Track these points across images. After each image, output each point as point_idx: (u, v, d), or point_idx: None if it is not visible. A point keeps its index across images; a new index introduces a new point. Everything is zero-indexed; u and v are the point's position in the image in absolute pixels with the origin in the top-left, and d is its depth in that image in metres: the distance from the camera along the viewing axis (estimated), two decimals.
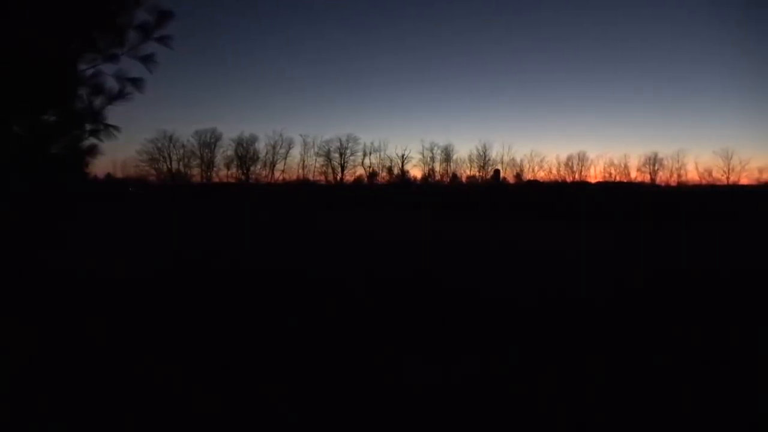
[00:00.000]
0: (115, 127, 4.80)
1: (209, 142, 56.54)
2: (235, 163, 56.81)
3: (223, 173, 57.32)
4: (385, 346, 4.76)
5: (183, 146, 56.12)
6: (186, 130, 78.99)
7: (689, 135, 72.82)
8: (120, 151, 65.52)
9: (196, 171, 56.83)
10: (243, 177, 56.51)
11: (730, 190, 40.78)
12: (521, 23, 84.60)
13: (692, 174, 48.86)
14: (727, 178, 45.93)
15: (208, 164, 56.85)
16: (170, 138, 55.35)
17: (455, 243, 13.95)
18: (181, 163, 56.46)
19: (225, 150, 56.99)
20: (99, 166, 58.93)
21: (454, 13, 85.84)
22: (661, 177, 49.18)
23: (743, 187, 42.80)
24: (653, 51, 77.25)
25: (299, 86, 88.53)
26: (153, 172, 54.34)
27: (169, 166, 55.91)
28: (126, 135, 63.24)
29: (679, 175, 48.62)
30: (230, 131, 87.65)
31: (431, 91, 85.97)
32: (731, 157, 46.55)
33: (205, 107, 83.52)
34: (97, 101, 4.71)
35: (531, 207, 28.78)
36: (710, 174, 46.49)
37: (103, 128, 4.75)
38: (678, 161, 49.46)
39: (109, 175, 52.24)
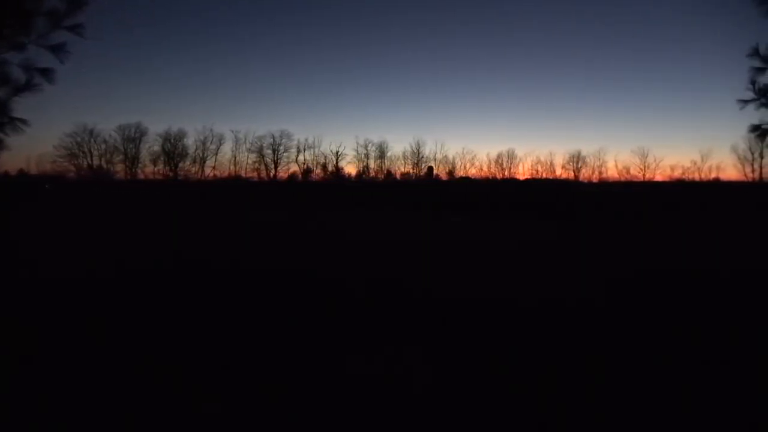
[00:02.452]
0: (23, 121, 4.56)
1: (134, 137, 53.75)
2: (162, 159, 54.45)
3: (149, 170, 54.84)
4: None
5: (105, 141, 52.90)
6: (108, 125, 73.81)
7: (609, 134, 78.00)
8: (36, 145, 60.82)
9: (120, 167, 54.08)
10: (171, 174, 54.17)
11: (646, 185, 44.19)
12: (453, 23, 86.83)
13: (612, 171, 52.47)
14: (643, 174, 49.73)
15: (133, 160, 54.14)
16: (91, 132, 51.59)
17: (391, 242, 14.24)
18: (103, 159, 53.30)
19: (151, 145, 54.53)
20: (10, 162, 54.64)
21: (387, 10, 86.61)
22: (584, 174, 52.44)
23: (658, 183, 46.48)
24: (574, 54, 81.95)
25: (230, 81, 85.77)
26: (72, 168, 51.00)
27: (90, 162, 52.67)
28: (42, 129, 58.87)
29: (600, 172, 52.04)
30: (156, 126, 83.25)
31: (365, 88, 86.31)
32: (647, 156, 50.61)
33: (129, 101, 78.65)
34: (2, 92, 4.45)
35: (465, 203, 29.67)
36: (628, 171, 50.24)
37: (8, 121, 4.49)
38: (599, 159, 52.99)
39: (22, 172, 48.72)
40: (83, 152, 51.66)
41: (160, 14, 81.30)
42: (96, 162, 52.86)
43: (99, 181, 47.23)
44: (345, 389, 3.56)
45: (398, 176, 56.50)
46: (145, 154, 54.38)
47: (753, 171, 44.99)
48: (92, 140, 52.44)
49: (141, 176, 53.80)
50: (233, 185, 47.70)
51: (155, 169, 54.46)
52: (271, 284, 7.20)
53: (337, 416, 3.19)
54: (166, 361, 4.10)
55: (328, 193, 40.95)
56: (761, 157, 42.57)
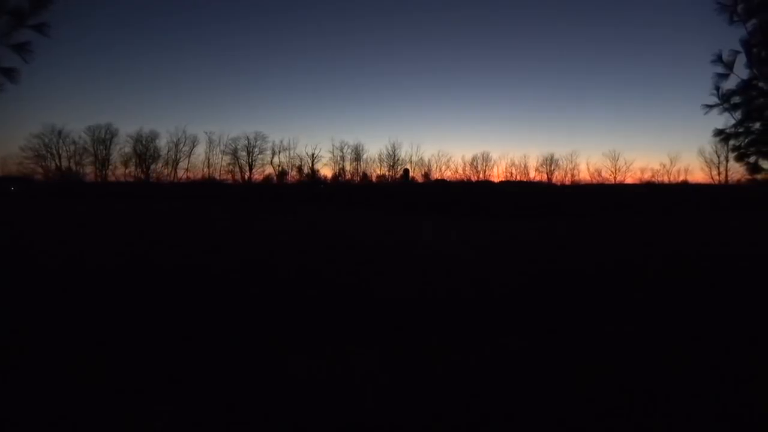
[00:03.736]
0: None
1: (104, 139, 52.84)
2: (133, 161, 53.60)
3: (120, 171, 53.91)
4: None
5: (74, 143, 51.87)
6: (78, 126, 72.22)
7: (581, 137, 79.74)
8: (1, 147, 59.00)
9: (89, 169, 53.02)
10: (143, 176, 53.36)
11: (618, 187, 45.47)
12: (428, 26, 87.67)
13: (584, 174, 53.83)
14: (614, 177, 51.16)
15: (104, 162, 53.16)
16: (59, 133, 50.72)
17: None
18: (72, 160, 52.20)
19: (122, 147, 53.69)
20: None
21: (363, 13, 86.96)
22: (557, 176, 53.65)
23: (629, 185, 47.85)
24: (547, 59, 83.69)
25: (204, 81, 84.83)
26: (39, 170, 49.76)
27: (58, 164, 51.49)
28: (8, 130, 57.14)
29: (572, 175, 53.32)
30: (128, 127, 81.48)
31: (341, 90, 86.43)
32: (618, 159, 52.13)
33: (99, 101, 77.01)
34: None
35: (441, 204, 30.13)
36: (600, 174, 51.63)
37: None
38: (572, 162, 54.30)
39: None
40: (51, 154, 50.63)
41: (130, 13, 79.93)
42: (65, 164, 51.89)
43: (68, 183, 46.20)
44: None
45: (374, 179, 56.82)
46: (116, 156, 53.65)
47: (719, 174, 46.82)
48: (61, 141, 51.41)
49: (112, 178, 52.91)
50: (207, 186, 47.15)
51: (127, 171, 53.67)
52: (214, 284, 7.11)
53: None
54: (100, 359, 3.97)
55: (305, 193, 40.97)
56: (726, 160, 44.27)
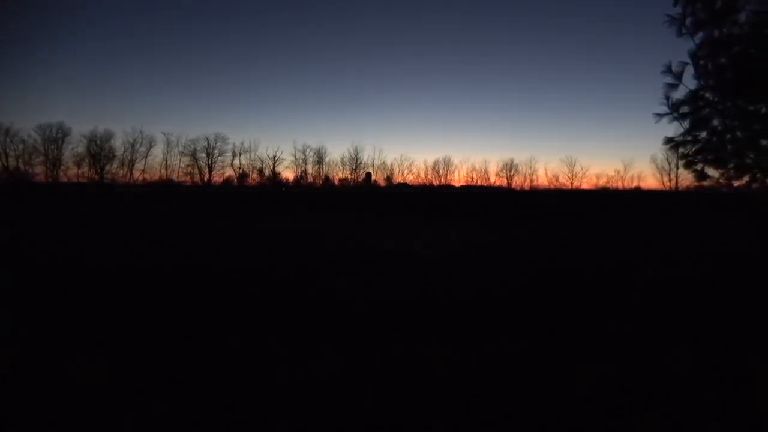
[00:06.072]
0: None
1: (55, 138, 50.72)
2: (87, 161, 51.60)
3: (72, 172, 51.80)
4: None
5: (23, 141, 49.66)
6: (27, 124, 69.07)
7: (540, 143, 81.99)
8: None
9: (40, 169, 50.77)
10: (96, 176, 51.41)
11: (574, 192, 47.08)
12: (390, 31, 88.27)
13: (542, 179, 55.41)
14: (571, 182, 52.85)
15: (55, 162, 50.96)
16: (7, 132, 48.55)
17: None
18: (20, 160, 49.91)
19: (75, 147, 51.64)
20: None
21: (326, 15, 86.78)
22: (517, 181, 54.99)
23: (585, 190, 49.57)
24: (506, 66, 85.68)
25: (162, 81, 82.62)
26: None
27: (6, 164, 49.07)
28: None
29: (531, 180, 54.75)
30: (81, 126, 78.70)
31: (303, 93, 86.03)
32: (575, 164, 53.94)
33: (50, 99, 73.87)
34: None
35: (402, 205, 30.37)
36: (557, 179, 53.26)
37: None
38: (530, 167, 55.81)
39: None
40: None
41: (83, 6, 77.05)
42: (12, 163, 49.58)
43: (15, 183, 44.08)
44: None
45: (336, 182, 56.69)
46: (68, 156, 51.58)
47: (670, 180, 49.02)
48: (8, 140, 49.24)
49: (64, 179, 50.84)
50: (164, 188, 45.88)
51: (79, 171, 51.64)
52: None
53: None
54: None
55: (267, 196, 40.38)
56: (677, 167, 46.32)
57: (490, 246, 12.06)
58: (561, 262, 9.38)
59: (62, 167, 51.26)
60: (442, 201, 32.19)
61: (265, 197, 38.77)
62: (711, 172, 7.25)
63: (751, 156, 6.74)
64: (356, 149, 58.24)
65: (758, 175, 6.78)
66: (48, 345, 4.27)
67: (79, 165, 51.41)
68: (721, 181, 7.19)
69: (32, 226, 15.14)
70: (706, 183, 7.37)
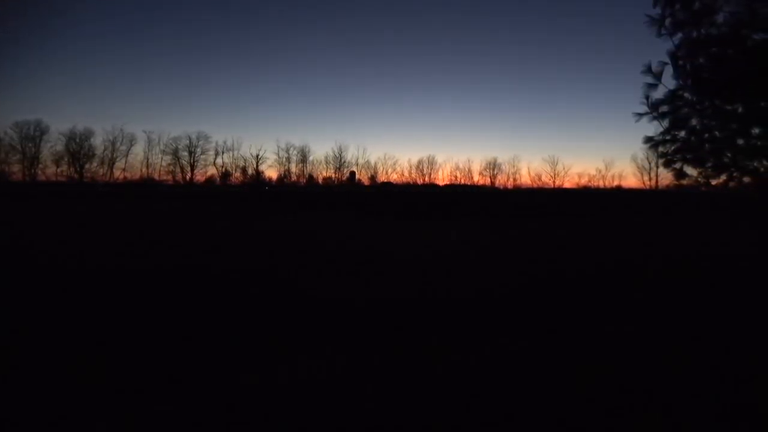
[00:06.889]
0: None
1: (33, 136, 49.82)
2: (66, 159, 50.71)
3: (51, 171, 50.88)
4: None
5: None
6: (3, 122, 67.62)
7: (522, 142, 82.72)
8: None
9: (16, 168, 49.79)
10: (76, 175, 50.54)
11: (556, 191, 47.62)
12: (374, 30, 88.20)
13: (525, 178, 55.94)
14: (554, 181, 53.39)
15: (32, 160, 49.97)
16: None
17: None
18: None
19: (53, 145, 50.74)
20: None
21: (310, 15, 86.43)
22: (500, 180, 55.39)
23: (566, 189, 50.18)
24: (489, 65, 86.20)
25: (143, 79, 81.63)
26: None
27: None
28: None
29: (514, 179, 55.21)
30: (60, 124, 77.31)
31: (287, 91, 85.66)
32: (557, 164, 54.44)
33: (28, 96, 72.45)
34: None
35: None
36: (540, 178, 53.77)
37: None
38: (514, 166, 56.24)
39: None
40: None
41: (60, 2, 75.59)
42: None
43: None
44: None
45: (320, 181, 56.48)
46: (46, 154, 50.74)
47: (650, 179, 49.74)
48: None
49: (42, 178, 49.92)
50: (145, 187, 45.22)
51: (58, 170, 50.75)
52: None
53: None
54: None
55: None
56: (657, 166, 46.98)
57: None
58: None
59: (40, 166, 50.28)
60: (426, 200, 32.32)
61: (250, 197, 38.40)
62: (689, 170, 7.33)
63: (729, 155, 6.83)
64: (340, 148, 58.31)
65: (735, 174, 6.88)
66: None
67: (57, 163, 50.48)
68: (699, 179, 7.28)
69: (22, 226, 14.94)
70: (684, 182, 7.46)
